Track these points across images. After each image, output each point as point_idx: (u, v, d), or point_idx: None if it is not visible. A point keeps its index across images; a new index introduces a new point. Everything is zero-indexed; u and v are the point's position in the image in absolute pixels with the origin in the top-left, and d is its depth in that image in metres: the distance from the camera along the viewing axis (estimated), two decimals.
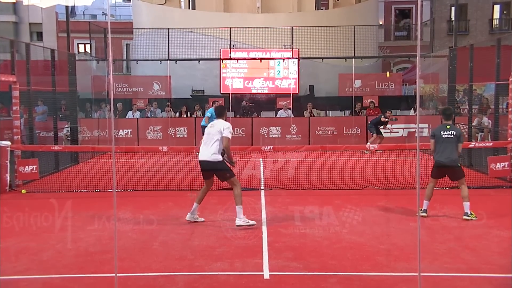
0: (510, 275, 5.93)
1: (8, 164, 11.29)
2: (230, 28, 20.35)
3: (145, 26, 24.16)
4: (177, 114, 20.39)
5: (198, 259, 6.67)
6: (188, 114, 20.31)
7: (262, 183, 11.57)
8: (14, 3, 36.48)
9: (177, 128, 19.06)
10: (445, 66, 17.26)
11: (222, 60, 21.16)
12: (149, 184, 11.64)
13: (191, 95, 22.39)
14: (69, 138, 16.18)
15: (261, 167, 12.85)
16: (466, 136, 13.31)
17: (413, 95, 22.62)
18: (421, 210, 8.63)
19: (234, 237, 7.59)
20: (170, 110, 20.37)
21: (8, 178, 11.33)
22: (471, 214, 8.38)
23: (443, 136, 8.59)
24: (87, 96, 20.12)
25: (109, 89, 18.53)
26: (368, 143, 15.84)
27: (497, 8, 34.34)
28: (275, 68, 21.46)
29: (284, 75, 21.43)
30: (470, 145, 12.13)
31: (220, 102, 20.52)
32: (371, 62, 24.84)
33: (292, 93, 20.98)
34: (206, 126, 16.59)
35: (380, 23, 34.23)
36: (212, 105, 17.04)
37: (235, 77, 21.41)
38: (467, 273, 6.19)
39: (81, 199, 10.50)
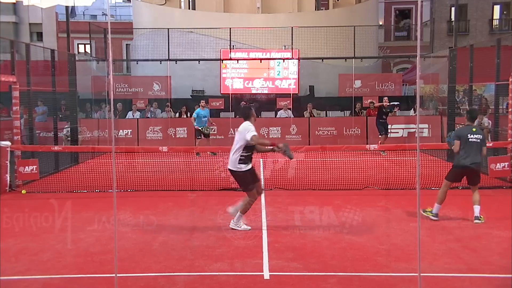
0: (510, 275, 5.93)
1: (8, 164, 11.29)
2: (230, 28, 20.35)
3: (145, 27, 24.15)
4: (177, 115, 20.40)
5: (198, 260, 6.67)
6: (188, 115, 20.27)
7: (262, 183, 11.55)
8: (14, 3, 36.45)
9: (177, 129, 19.07)
10: (445, 66, 17.26)
11: (222, 60, 21.16)
12: (149, 184, 11.64)
13: (191, 96, 22.38)
14: (69, 139, 16.18)
15: (261, 168, 12.85)
16: None
17: (413, 95, 22.63)
18: (432, 214, 8.48)
19: (234, 238, 7.59)
20: (170, 111, 20.37)
21: (8, 178, 11.34)
22: (481, 217, 8.35)
23: (470, 139, 8.34)
24: (87, 96, 20.11)
25: (109, 89, 18.52)
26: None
27: (497, 8, 34.33)
28: (275, 69, 21.46)
29: (284, 76, 21.42)
30: None
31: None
32: (371, 63, 24.83)
33: (292, 94, 20.98)
34: (199, 128, 16.54)
35: (380, 23, 34.24)
36: (199, 106, 17.06)
37: (235, 78, 21.41)
38: (467, 273, 6.19)
39: (81, 200, 10.50)
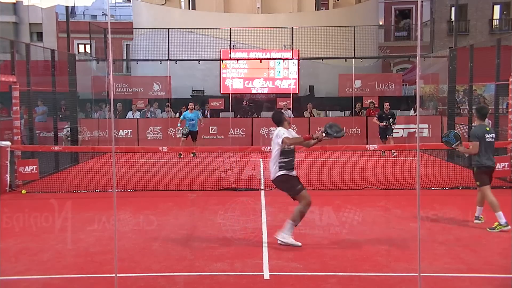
0: (510, 275, 5.93)
1: (8, 164, 11.30)
2: (230, 28, 20.35)
3: (145, 27, 24.15)
4: (177, 115, 20.39)
5: (198, 260, 6.67)
6: None
7: (262, 184, 11.57)
8: (14, 3, 36.44)
9: (177, 129, 19.07)
10: (445, 66, 17.26)
11: (222, 60, 21.16)
12: (149, 184, 11.64)
13: (191, 96, 22.38)
14: (69, 139, 16.18)
15: (261, 168, 12.85)
16: (466, 136, 13.31)
17: (413, 95, 22.63)
18: (502, 225, 7.98)
19: (234, 238, 7.59)
20: (170, 111, 20.37)
21: (8, 178, 11.34)
22: (481, 217, 8.30)
23: (487, 139, 8.11)
24: (87, 96, 20.12)
25: (109, 89, 18.53)
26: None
27: (497, 8, 34.33)
28: (275, 69, 21.46)
29: (284, 76, 21.43)
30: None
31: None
32: (371, 63, 24.83)
33: (292, 94, 20.98)
34: (188, 131, 16.22)
35: (380, 23, 34.23)
36: (187, 109, 16.80)
37: (235, 78, 21.41)
38: (467, 273, 6.19)
39: (81, 200, 10.50)
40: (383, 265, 6.46)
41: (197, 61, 21.07)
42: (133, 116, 19.85)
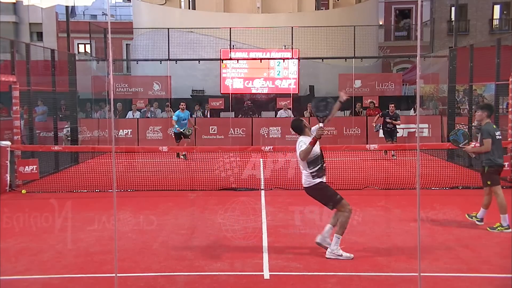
0: (510, 275, 5.93)
1: (8, 164, 11.30)
2: (230, 28, 20.36)
3: (145, 26, 24.15)
4: None
5: (198, 259, 6.67)
6: None
7: (262, 183, 11.57)
8: (14, 3, 36.45)
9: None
10: (445, 66, 17.26)
11: (222, 60, 21.16)
12: (149, 184, 11.64)
13: (191, 95, 22.39)
14: (69, 138, 16.18)
15: (261, 167, 12.85)
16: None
17: (413, 95, 22.62)
18: (481, 220, 8.10)
19: (234, 237, 7.59)
20: (170, 110, 20.33)
21: (8, 178, 11.34)
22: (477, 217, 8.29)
23: (497, 137, 8.04)
24: (87, 96, 20.12)
25: (109, 89, 18.53)
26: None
27: (497, 8, 34.33)
28: (275, 68, 21.45)
29: (284, 75, 21.42)
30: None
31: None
32: (371, 62, 24.83)
33: (292, 93, 20.97)
34: (181, 130, 15.84)
35: (380, 23, 34.22)
36: (179, 108, 16.29)
37: (235, 77, 21.40)
38: (467, 273, 6.19)
39: (81, 199, 10.50)
40: (383, 265, 6.46)
41: (197, 61, 21.07)
42: (133, 116, 19.84)
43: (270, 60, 21.30)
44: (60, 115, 16.40)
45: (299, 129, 6.91)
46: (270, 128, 19.05)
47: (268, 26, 21.34)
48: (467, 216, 8.28)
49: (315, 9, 26.01)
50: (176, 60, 20.71)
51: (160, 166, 13.50)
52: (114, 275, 5.58)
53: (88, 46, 34.51)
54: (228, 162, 12.90)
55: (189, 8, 26.30)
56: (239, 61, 21.21)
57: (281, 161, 12.65)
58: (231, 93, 21.05)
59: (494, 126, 8.14)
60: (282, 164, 12.51)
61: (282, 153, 13.56)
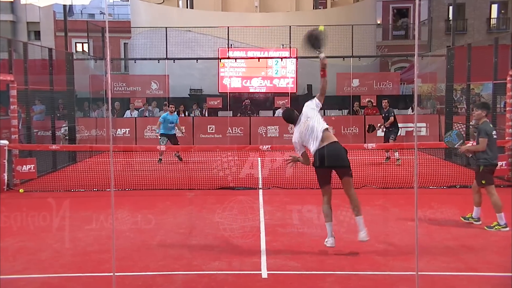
0: (509, 274, 5.94)
1: (6, 163, 11.28)
2: (228, 27, 20.34)
3: (143, 25, 24.14)
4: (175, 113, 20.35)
5: (196, 258, 6.67)
6: (186, 113, 20.31)
7: (260, 182, 11.57)
8: (11, 2, 36.40)
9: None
10: (443, 65, 17.27)
11: (220, 59, 21.15)
12: (147, 183, 11.64)
13: (189, 94, 22.38)
14: (67, 137, 16.17)
15: (259, 166, 12.85)
16: (464, 135, 13.31)
17: (411, 94, 22.65)
18: (478, 219, 8.09)
19: (232, 236, 7.58)
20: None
21: (6, 177, 11.32)
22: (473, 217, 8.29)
23: (494, 135, 8.05)
24: (85, 95, 20.10)
25: (107, 88, 18.52)
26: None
27: (494, 7, 34.40)
28: (273, 67, 21.46)
29: (282, 74, 21.42)
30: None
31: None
32: (369, 62, 24.85)
33: (290, 92, 20.98)
34: (163, 133, 15.22)
35: (378, 22, 34.24)
36: (167, 110, 15.51)
37: (233, 76, 21.40)
38: (465, 272, 6.20)
39: (79, 199, 10.49)
40: (381, 264, 6.46)
41: (195, 60, 21.05)
42: (131, 115, 19.82)
43: (268, 59, 21.30)
44: (58, 114, 16.38)
45: (292, 119, 7.44)
46: (268, 127, 19.04)
47: (266, 25, 21.35)
48: (462, 219, 8.28)
49: (313, 8, 26.04)
50: (174, 59, 20.70)
51: (158, 165, 13.49)
52: (112, 274, 5.58)
53: (86, 45, 34.39)
54: (226, 161, 12.89)
55: (187, 7, 26.31)
56: (237, 60, 21.20)
57: (279, 160, 12.64)
58: (229, 92, 21.05)
59: (491, 125, 8.14)
60: (280, 163, 12.51)
61: (280, 152, 13.54)
